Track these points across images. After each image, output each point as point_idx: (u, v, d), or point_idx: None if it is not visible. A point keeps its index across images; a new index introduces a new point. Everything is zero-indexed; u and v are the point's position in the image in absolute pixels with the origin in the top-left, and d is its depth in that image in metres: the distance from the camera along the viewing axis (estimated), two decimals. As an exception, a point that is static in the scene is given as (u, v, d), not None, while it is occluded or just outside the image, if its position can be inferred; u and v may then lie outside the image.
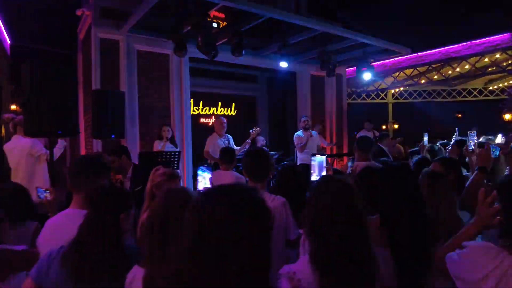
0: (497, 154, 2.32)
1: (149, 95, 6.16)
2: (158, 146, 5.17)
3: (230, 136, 5.83)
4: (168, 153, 4.41)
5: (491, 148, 2.31)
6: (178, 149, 5.17)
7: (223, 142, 5.66)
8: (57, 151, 4.07)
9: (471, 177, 2.18)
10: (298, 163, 6.29)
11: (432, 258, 1.65)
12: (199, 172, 2.02)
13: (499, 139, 3.53)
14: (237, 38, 5.36)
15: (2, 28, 7.03)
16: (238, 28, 5.39)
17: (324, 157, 1.91)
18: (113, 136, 4.99)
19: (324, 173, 1.91)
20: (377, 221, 1.77)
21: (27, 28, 8.08)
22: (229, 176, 3.07)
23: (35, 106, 3.29)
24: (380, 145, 5.93)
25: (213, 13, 7.30)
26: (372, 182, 1.97)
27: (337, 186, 1.27)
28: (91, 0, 5.52)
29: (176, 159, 4.42)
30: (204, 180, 1.95)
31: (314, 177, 2.14)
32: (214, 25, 4.63)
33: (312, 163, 1.94)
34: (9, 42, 7.59)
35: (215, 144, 5.52)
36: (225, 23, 6.91)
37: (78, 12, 5.72)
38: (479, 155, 2.20)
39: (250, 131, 5.82)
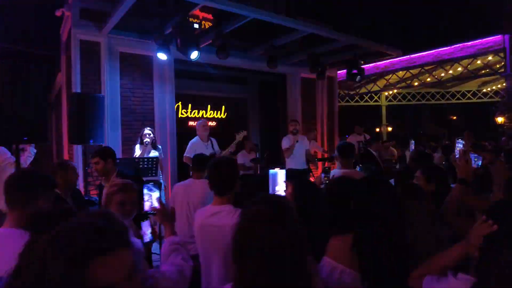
0: (480, 164, 2.16)
1: (132, 98, 5.98)
2: (138, 151, 4.98)
3: (214, 140, 5.57)
4: (144, 160, 4.24)
5: (473, 158, 2.15)
6: (157, 155, 4.98)
7: (206, 147, 5.42)
8: (26, 159, 3.88)
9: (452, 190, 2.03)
10: (286, 168, 6.11)
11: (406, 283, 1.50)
12: (145, 190, 1.87)
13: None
14: (221, 40, 5.19)
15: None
16: (222, 29, 5.23)
17: (280, 171, 1.72)
18: (91, 142, 4.82)
19: (279, 188, 1.74)
20: (348, 241, 1.61)
21: (11, 28, 7.88)
22: (200, 185, 2.90)
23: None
24: (369, 149, 5.80)
25: (202, 14, 7.21)
26: (344, 196, 1.81)
27: (256, 209, 1.09)
28: (71, 1, 5.35)
29: (154, 166, 4.25)
30: (150, 199, 1.78)
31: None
32: (196, 25, 4.47)
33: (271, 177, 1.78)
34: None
35: (197, 148, 5.26)
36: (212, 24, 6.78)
37: (58, 13, 5.54)
38: (458, 166, 2.04)
39: (236, 134, 5.62)
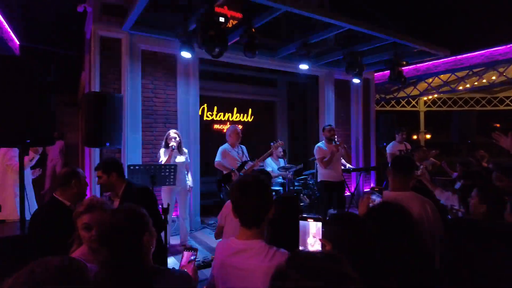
0: None
1: (154, 99, 5.62)
2: (163, 156, 4.60)
3: (243, 147, 5.33)
4: (159, 167, 3.80)
5: None
6: (183, 160, 4.71)
7: (237, 153, 5.14)
8: (26, 163, 3.59)
9: None
10: (319, 179, 5.55)
11: None
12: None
13: None
14: (249, 36, 4.70)
15: (8, 28, 6.74)
16: (250, 25, 4.73)
17: (313, 223, 1.31)
18: (107, 144, 4.46)
19: (310, 241, 1.27)
20: None
21: (38, 28, 7.80)
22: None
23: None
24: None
25: (230, 12, 6.76)
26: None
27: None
28: (92, -5, 5.07)
29: (172, 174, 3.81)
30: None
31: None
32: (222, 19, 3.99)
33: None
34: (18, 43, 7.32)
35: (228, 155, 5.06)
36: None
37: (80, 8, 5.28)
38: None
39: (271, 143, 5.24)
